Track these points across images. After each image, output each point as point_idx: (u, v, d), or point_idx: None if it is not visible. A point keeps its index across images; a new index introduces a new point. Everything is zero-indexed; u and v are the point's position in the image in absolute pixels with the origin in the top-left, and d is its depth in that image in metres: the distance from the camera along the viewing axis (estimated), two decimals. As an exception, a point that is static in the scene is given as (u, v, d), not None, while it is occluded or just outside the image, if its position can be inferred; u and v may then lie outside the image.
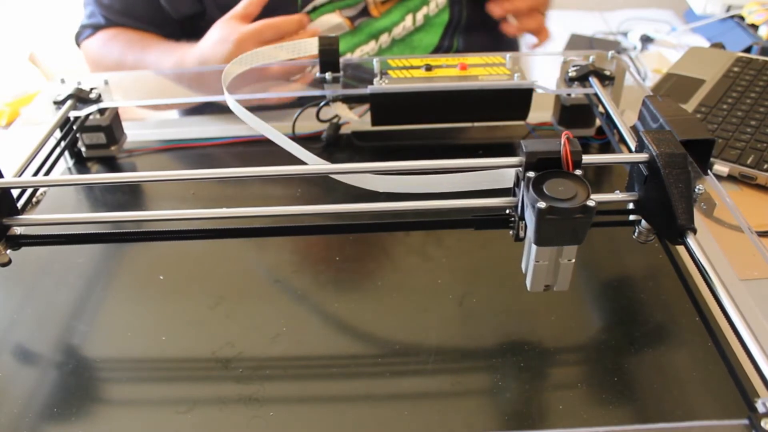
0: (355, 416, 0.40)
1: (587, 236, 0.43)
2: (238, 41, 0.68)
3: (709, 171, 0.46)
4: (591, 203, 0.36)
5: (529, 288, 0.41)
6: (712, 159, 0.61)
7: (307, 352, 0.44)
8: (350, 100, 0.64)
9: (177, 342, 0.46)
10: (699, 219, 0.43)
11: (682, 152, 0.39)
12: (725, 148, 0.62)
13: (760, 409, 0.32)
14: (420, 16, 0.87)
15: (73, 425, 0.40)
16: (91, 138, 0.65)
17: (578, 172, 0.38)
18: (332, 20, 0.83)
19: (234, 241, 0.55)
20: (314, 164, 0.49)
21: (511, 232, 0.43)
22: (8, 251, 0.45)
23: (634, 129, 0.51)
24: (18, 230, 0.45)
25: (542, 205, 0.35)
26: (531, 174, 0.38)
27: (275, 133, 0.51)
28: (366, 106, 0.67)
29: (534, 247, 0.38)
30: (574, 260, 0.39)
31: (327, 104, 0.64)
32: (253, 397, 0.41)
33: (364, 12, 0.84)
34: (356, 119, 0.66)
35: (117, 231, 0.54)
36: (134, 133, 0.70)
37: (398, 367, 0.43)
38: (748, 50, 0.91)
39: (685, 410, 0.39)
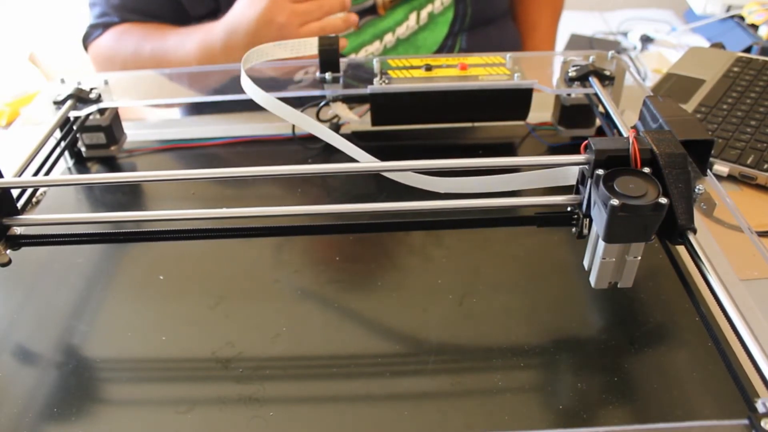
0: (355, 416, 0.40)
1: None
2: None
3: (709, 171, 0.46)
4: (663, 201, 0.36)
5: (593, 284, 0.41)
6: (712, 159, 0.61)
7: (307, 352, 0.44)
8: (350, 100, 0.64)
9: (177, 342, 0.46)
10: (699, 219, 0.43)
11: (682, 152, 0.39)
12: (725, 148, 0.62)
13: (760, 409, 0.32)
14: (424, 14, 0.87)
15: (73, 425, 0.40)
16: (91, 138, 0.65)
17: (646, 169, 0.39)
18: None
19: (234, 241, 0.55)
20: (366, 161, 0.49)
21: (573, 230, 0.44)
22: (8, 251, 0.45)
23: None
24: (18, 230, 0.45)
25: (615, 202, 0.36)
26: (600, 171, 0.38)
27: (318, 125, 0.53)
28: (366, 106, 0.67)
29: (602, 244, 0.39)
30: (639, 257, 0.40)
31: (327, 104, 0.64)
32: (253, 397, 0.41)
33: (371, 10, 0.84)
34: (356, 119, 0.66)
35: (117, 231, 0.54)
36: (134, 133, 0.70)
37: (398, 367, 0.43)
38: (748, 50, 0.91)
39: (685, 410, 0.39)
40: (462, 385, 0.41)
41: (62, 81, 0.63)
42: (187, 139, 0.70)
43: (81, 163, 0.66)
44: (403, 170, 0.48)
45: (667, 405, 0.39)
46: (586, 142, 0.41)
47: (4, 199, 0.44)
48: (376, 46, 0.86)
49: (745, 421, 0.31)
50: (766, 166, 0.60)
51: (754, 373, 0.33)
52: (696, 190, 0.45)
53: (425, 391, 0.41)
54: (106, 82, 0.64)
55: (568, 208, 0.44)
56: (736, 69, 0.75)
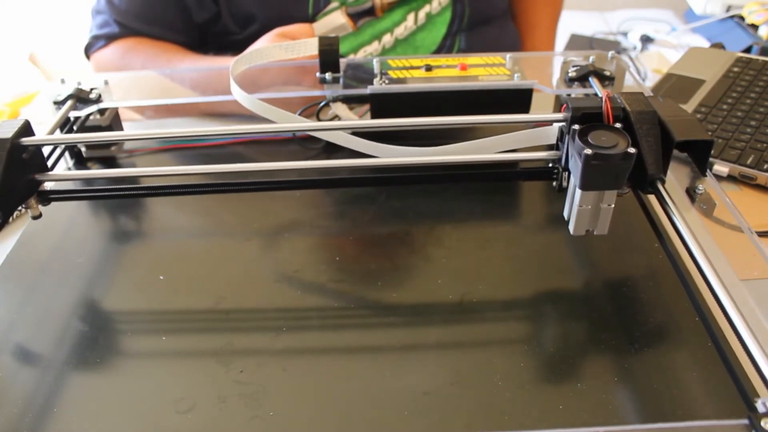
0: (354, 416, 0.40)
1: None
2: None
3: (708, 171, 0.46)
4: (631, 150, 0.40)
5: (572, 232, 0.45)
6: (712, 159, 0.61)
7: (307, 352, 0.44)
8: (350, 101, 0.64)
9: (177, 342, 0.46)
10: (699, 219, 0.43)
11: (651, 110, 0.43)
12: (725, 148, 0.62)
13: (760, 409, 0.32)
14: (422, 14, 0.87)
15: (73, 425, 0.40)
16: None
17: (618, 125, 0.42)
18: (336, 21, 0.83)
19: (234, 241, 0.55)
20: (303, 124, 0.54)
21: (554, 183, 0.49)
22: (39, 206, 0.50)
23: None
24: (48, 186, 0.50)
25: (589, 152, 0.40)
26: (576, 127, 0.42)
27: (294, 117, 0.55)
28: (366, 107, 0.67)
29: (579, 192, 0.43)
30: (613, 205, 0.43)
31: (327, 104, 0.64)
32: (253, 397, 0.41)
33: (369, 12, 0.84)
34: (356, 119, 0.66)
35: (140, 186, 0.57)
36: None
37: (398, 367, 0.43)
38: (748, 50, 0.91)
39: (685, 410, 0.39)
40: (462, 385, 0.41)
41: (62, 81, 0.63)
42: (186, 139, 0.69)
43: (81, 163, 0.66)
44: (363, 128, 0.53)
45: (667, 405, 0.39)
46: (565, 104, 0.45)
47: (36, 157, 0.49)
48: (374, 47, 0.86)
49: (745, 421, 0.32)
50: (766, 166, 0.60)
51: (754, 373, 0.33)
52: (696, 190, 0.46)
53: (425, 390, 0.41)
54: (106, 83, 0.64)
55: (550, 164, 0.49)
56: (736, 69, 0.75)
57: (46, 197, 0.50)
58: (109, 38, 0.82)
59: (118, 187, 0.54)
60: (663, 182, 0.43)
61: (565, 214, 0.46)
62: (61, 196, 0.51)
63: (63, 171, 0.55)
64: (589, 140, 0.41)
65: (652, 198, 0.45)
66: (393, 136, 0.69)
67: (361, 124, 0.54)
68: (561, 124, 0.46)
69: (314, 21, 0.82)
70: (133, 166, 0.66)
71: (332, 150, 0.66)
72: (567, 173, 0.46)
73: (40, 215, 0.50)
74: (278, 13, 0.81)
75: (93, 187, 0.51)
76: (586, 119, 0.43)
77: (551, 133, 0.48)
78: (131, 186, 0.55)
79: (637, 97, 0.45)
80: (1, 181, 0.44)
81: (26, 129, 0.48)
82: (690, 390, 0.40)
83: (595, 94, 0.59)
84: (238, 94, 0.55)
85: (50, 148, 0.55)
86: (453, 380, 0.42)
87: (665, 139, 0.43)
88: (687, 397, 0.40)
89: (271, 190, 0.55)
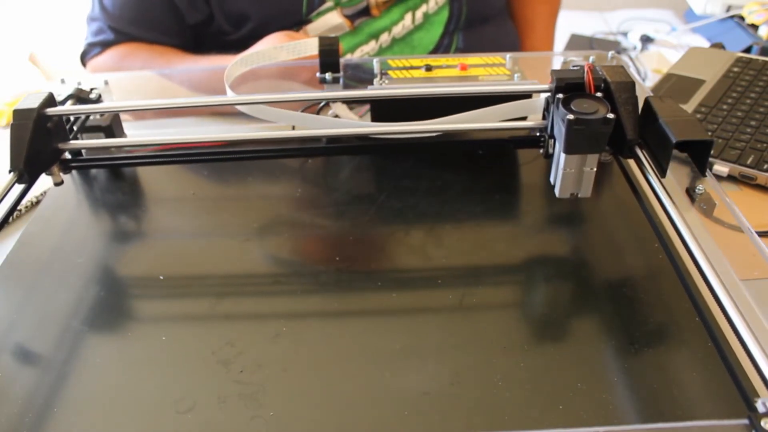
0: (354, 416, 0.40)
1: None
2: None
3: (708, 171, 0.46)
4: (610, 116, 0.44)
5: (558, 194, 0.48)
6: (712, 159, 0.61)
7: (307, 353, 0.44)
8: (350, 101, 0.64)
9: (177, 342, 0.46)
10: (699, 219, 0.43)
11: (630, 81, 0.46)
12: (725, 148, 0.62)
13: (760, 408, 0.32)
14: (419, 14, 0.87)
15: (73, 425, 0.40)
16: (91, 138, 0.65)
17: (599, 94, 0.46)
18: (332, 21, 0.83)
19: (234, 241, 0.55)
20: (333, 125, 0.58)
21: (541, 151, 0.52)
22: (61, 173, 0.53)
23: None
24: (69, 155, 0.54)
25: (571, 117, 0.43)
26: (560, 95, 0.45)
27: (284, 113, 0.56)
28: (366, 106, 0.67)
29: (563, 156, 0.46)
30: (595, 169, 0.47)
31: (327, 104, 0.64)
32: (253, 397, 0.41)
33: (365, 12, 0.85)
34: (356, 119, 0.66)
35: (155, 153, 0.60)
36: (134, 133, 0.70)
37: (398, 367, 0.43)
38: (748, 50, 0.91)
39: (685, 410, 0.39)
40: (462, 385, 0.41)
41: (62, 81, 0.63)
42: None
43: (81, 163, 0.66)
44: (341, 100, 0.59)
45: (667, 405, 0.39)
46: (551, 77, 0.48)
47: (59, 127, 0.52)
48: (372, 46, 0.86)
49: (745, 421, 0.32)
50: (766, 166, 0.60)
51: (754, 373, 0.33)
52: (696, 190, 0.46)
53: (425, 391, 0.41)
54: (106, 83, 0.64)
55: (537, 133, 0.52)
56: (736, 69, 0.75)
57: (68, 165, 0.54)
58: (105, 45, 0.82)
59: (134, 154, 0.59)
60: (642, 147, 0.46)
61: (552, 179, 0.49)
62: (81, 164, 0.57)
63: (84, 141, 0.60)
64: (572, 107, 0.44)
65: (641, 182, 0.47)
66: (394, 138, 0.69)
67: (319, 96, 0.59)
68: (547, 95, 0.50)
69: (308, 20, 0.83)
70: (134, 164, 0.66)
71: (330, 150, 0.66)
72: (553, 141, 0.49)
73: (61, 182, 0.53)
74: (272, 12, 0.81)
75: (110, 155, 0.57)
76: (570, 89, 0.46)
77: (538, 105, 0.52)
78: (147, 153, 0.59)
79: (616, 69, 0.47)
80: (28, 148, 0.48)
81: (50, 100, 0.52)
82: (690, 390, 0.40)
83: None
84: (232, 98, 0.56)
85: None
86: (453, 380, 0.42)
87: (665, 140, 0.43)
88: (687, 397, 0.40)
89: (269, 158, 0.62)
